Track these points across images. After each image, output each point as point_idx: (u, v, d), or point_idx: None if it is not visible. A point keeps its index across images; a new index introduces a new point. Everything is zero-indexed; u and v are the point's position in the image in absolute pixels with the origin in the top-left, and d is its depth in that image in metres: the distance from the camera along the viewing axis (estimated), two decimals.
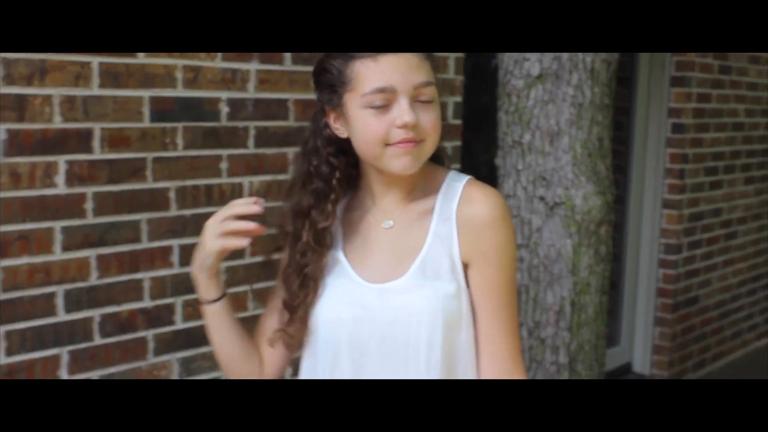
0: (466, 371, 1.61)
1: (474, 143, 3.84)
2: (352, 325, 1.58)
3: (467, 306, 1.59)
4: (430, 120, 1.54)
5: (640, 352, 4.86)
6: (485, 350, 1.61)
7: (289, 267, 1.62)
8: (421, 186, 1.63)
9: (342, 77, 1.55)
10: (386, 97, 1.52)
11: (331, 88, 1.57)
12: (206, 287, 1.61)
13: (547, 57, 2.55)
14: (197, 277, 1.60)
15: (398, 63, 1.52)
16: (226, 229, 1.54)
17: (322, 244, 1.61)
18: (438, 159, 1.68)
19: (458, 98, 3.40)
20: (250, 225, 1.54)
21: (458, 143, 3.41)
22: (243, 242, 1.55)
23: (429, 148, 1.56)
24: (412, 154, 1.53)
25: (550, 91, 2.56)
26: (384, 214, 1.63)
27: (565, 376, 2.57)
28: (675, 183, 4.74)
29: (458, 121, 3.40)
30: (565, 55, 2.54)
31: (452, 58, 3.37)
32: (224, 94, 2.71)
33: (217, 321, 1.64)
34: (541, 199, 2.57)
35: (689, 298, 4.91)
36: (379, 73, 1.52)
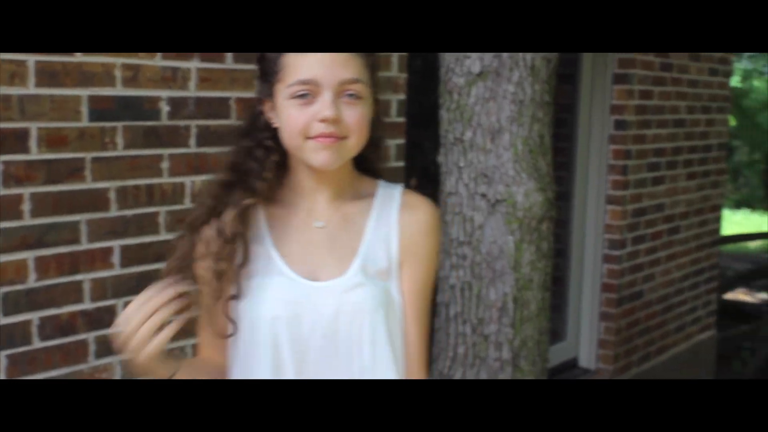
0: (403, 366, 1.65)
1: (424, 141, 3.85)
2: (292, 323, 1.58)
3: (401, 305, 1.64)
4: (354, 117, 1.56)
5: (586, 346, 4.91)
6: (408, 343, 1.66)
7: (217, 240, 1.59)
8: (351, 190, 1.66)
9: (275, 67, 1.58)
10: (310, 90, 1.54)
11: (265, 77, 1.60)
12: (164, 370, 1.55)
13: (488, 54, 2.57)
14: (153, 374, 1.54)
15: (325, 57, 1.54)
16: (150, 333, 1.48)
17: (245, 221, 1.60)
18: (373, 171, 1.72)
19: (402, 96, 3.40)
20: (175, 306, 1.51)
21: (402, 141, 3.41)
22: (173, 329, 1.51)
23: (352, 145, 1.58)
24: (332, 149, 1.55)
25: (491, 89, 2.58)
26: (315, 214, 1.64)
27: (508, 372, 2.58)
28: (618, 179, 4.80)
29: (402, 119, 3.41)
30: (505, 53, 2.56)
31: (396, 56, 3.37)
32: (164, 93, 2.68)
33: (189, 374, 1.60)
34: (483, 196, 2.59)
35: (633, 292, 4.97)
36: (305, 65, 1.54)
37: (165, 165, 2.70)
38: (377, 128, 1.67)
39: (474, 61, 2.58)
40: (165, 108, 2.69)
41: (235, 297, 1.60)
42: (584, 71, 4.74)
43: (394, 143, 3.38)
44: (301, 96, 1.54)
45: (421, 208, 1.67)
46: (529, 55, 2.56)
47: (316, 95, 1.54)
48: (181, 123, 2.73)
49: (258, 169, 1.62)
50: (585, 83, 4.76)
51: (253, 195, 1.61)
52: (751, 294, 9.60)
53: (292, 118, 1.55)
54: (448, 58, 2.65)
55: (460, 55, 2.60)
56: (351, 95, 1.55)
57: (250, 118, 1.67)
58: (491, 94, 2.58)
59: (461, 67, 2.60)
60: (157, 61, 2.66)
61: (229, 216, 1.60)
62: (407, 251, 1.63)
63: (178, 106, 2.72)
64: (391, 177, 3.40)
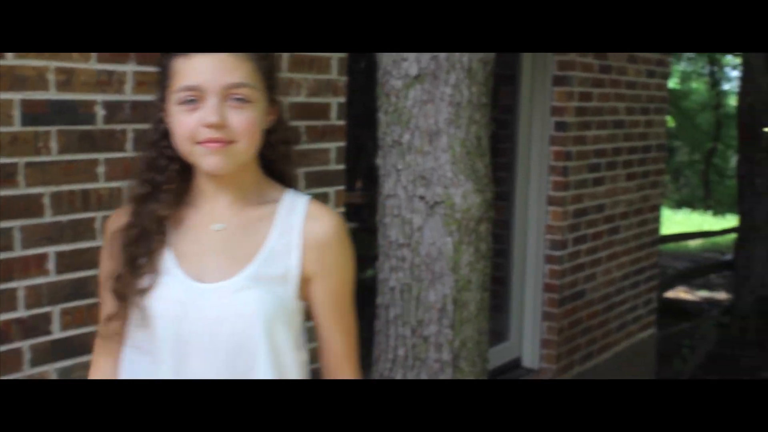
0: (291, 375, 1.66)
1: (368, 142, 3.86)
2: (176, 323, 1.60)
3: (295, 313, 1.65)
4: (241, 121, 1.57)
5: (529, 346, 4.94)
6: (327, 354, 1.71)
7: (122, 256, 1.64)
8: (256, 195, 1.67)
9: (165, 73, 1.60)
10: (195, 96, 1.55)
11: (160, 84, 1.63)
12: None
13: (425, 57, 2.58)
14: None
15: (209, 62, 1.56)
16: None
17: (160, 232, 1.64)
18: (281, 175, 1.72)
19: (341, 99, 3.40)
20: None
21: (342, 144, 3.41)
22: None
23: (242, 149, 1.59)
24: (220, 154, 1.56)
25: (428, 91, 2.59)
26: (215, 216, 1.66)
27: (448, 373, 2.59)
28: (559, 180, 4.84)
29: (341, 122, 3.40)
30: (442, 55, 2.57)
31: (335, 58, 3.37)
32: (100, 97, 2.65)
33: None
34: (421, 198, 2.59)
35: (575, 292, 5.02)
36: (189, 71, 1.56)
37: (101, 170, 2.66)
38: (280, 131, 1.69)
39: (411, 64, 2.59)
40: (100, 112, 2.65)
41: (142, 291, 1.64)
42: (524, 73, 4.78)
43: (334, 146, 3.37)
44: (188, 101, 1.56)
45: (326, 220, 1.67)
46: (466, 57, 2.58)
47: (202, 100, 1.55)
48: (117, 127, 2.70)
49: (163, 180, 1.65)
50: (525, 85, 4.80)
51: (165, 207, 1.64)
52: (692, 292, 9.77)
53: (180, 124, 1.57)
54: (384, 61, 2.66)
55: (397, 57, 2.60)
56: (238, 99, 1.57)
57: (153, 126, 1.68)
58: (429, 96, 2.59)
59: (398, 70, 2.61)
60: (92, 64, 2.62)
61: (144, 228, 1.64)
62: (315, 263, 1.64)
63: (113, 109, 2.69)
64: (332, 180, 3.42)
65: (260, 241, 1.63)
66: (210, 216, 1.66)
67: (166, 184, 1.64)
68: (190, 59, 1.55)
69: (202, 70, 1.55)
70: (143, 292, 1.61)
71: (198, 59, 1.55)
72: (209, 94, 1.55)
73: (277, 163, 1.71)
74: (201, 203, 1.67)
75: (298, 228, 1.64)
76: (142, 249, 1.63)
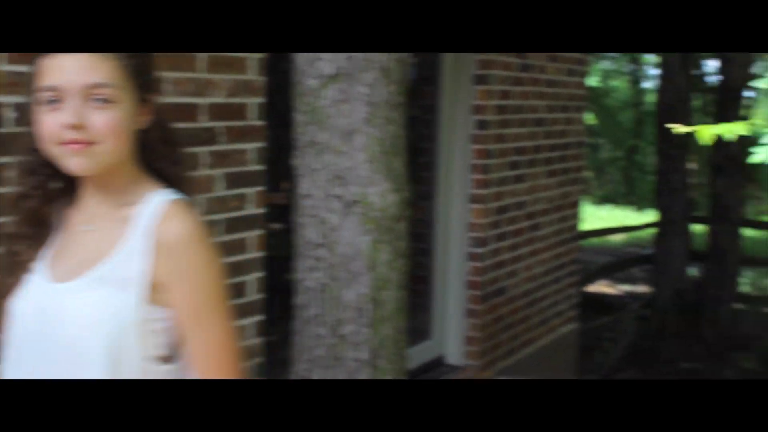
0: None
1: (290, 143, 3.85)
2: (29, 324, 1.59)
3: (148, 321, 1.59)
4: (102, 122, 1.55)
5: (453, 344, 4.98)
6: (197, 361, 1.62)
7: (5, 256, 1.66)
8: (129, 196, 1.64)
9: (33, 74, 1.58)
10: (57, 96, 1.54)
11: (30, 84, 1.60)
12: None
13: (341, 56, 2.58)
14: None
15: (70, 62, 1.54)
16: None
17: (38, 233, 1.65)
18: (168, 180, 1.69)
19: (259, 99, 3.38)
20: None
21: (261, 145, 3.39)
22: None
23: (105, 150, 1.57)
24: (82, 155, 1.55)
25: (344, 91, 2.59)
26: (87, 217, 1.65)
27: (367, 372, 2.60)
28: (480, 178, 4.89)
29: (261, 122, 3.39)
30: (358, 55, 2.58)
31: (253, 59, 3.35)
32: (9, 99, 2.60)
33: None
34: (338, 197, 2.60)
35: (497, 288, 5.08)
36: (50, 71, 1.54)
37: (11, 174, 2.61)
38: (156, 131, 1.67)
39: (326, 64, 2.59)
40: (10, 114, 2.60)
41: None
42: (445, 72, 4.81)
43: (253, 147, 3.35)
44: (51, 102, 1.54)
45: (178, 222, 1.60)
46: (382, 56, 2.59)
47: (63, 101, 1.54)
48: (29, 129, 2.64)
49: (36, 182, 1.65)
50: (446, 84, 4.83)
51: (38, 209, 1.65)
52: (614, 286, 9.95)
53: (43, 124, 1.56)
54: (300, 61, 2.66)
55: (313, 57, 2.60)
56: (100, 99, 1.55)
57: (25, 129, 1.66)
58: (344, 96, 2.59)
59: (314, 69, 2.61)
60: (1, 65, 2.57)
61: (19, 231, 1.66)
62: (167, 267, 1.58)
63: (25, 112, 2.63)
64: (251, 181, 3.39)
65: (114, 242, 1.60)
66: (84, 217, 1.65)
67: (39, 186, 1.64)
68: (54, 59, 1.54)
69: (64, 70, 1.53)
70: (10, 292, 1.62)
71: (60, 59, 1.53)
72: (69, 95, 1.53)
73: (157, 163, 1.68)
74: (82, 205, 1.66)
75: (150, 230, 1.59)
76: (18, 250, 1.63)
